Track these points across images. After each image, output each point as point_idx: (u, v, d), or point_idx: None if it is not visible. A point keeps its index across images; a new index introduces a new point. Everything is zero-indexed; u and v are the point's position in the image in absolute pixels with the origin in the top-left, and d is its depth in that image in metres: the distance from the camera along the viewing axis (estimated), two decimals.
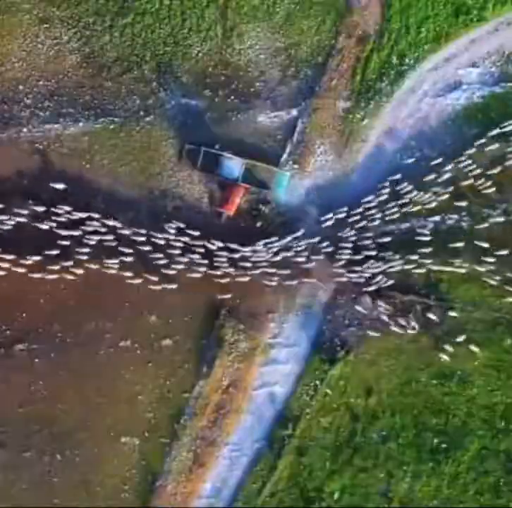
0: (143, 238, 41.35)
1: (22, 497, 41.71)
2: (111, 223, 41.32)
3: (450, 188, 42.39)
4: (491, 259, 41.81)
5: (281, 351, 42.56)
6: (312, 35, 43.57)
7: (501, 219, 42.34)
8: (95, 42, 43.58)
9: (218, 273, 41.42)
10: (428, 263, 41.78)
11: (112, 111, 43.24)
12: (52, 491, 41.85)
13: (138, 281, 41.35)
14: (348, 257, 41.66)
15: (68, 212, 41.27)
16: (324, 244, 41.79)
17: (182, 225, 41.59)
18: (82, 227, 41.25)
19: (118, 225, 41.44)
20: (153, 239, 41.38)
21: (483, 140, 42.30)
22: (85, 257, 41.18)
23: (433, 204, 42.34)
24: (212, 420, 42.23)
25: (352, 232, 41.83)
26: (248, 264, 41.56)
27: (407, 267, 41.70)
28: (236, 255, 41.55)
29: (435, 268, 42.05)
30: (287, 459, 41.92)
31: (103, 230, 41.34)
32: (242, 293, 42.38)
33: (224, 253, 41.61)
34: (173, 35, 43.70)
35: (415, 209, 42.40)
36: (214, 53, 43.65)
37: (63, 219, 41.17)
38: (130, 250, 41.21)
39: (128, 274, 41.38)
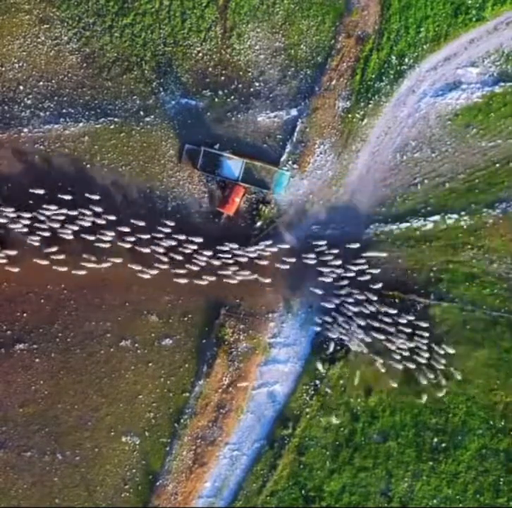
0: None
1: (22, 497, 41.80)
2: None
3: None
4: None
5: (280, 351, 42.61)
6: (311, 35, 43.58)
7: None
8: (95, 43, 43.64)
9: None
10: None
11: (112, 111, 43.30)
12: (52, 491, 41.95)
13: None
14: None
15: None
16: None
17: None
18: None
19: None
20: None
21: None
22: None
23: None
24: (212, 420, 42.28)
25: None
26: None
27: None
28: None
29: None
30: (287, 458, 41.99)
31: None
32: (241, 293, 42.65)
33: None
34: (173, 35, 43.74)
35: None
36: (214, 53, 43.67)
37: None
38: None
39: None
